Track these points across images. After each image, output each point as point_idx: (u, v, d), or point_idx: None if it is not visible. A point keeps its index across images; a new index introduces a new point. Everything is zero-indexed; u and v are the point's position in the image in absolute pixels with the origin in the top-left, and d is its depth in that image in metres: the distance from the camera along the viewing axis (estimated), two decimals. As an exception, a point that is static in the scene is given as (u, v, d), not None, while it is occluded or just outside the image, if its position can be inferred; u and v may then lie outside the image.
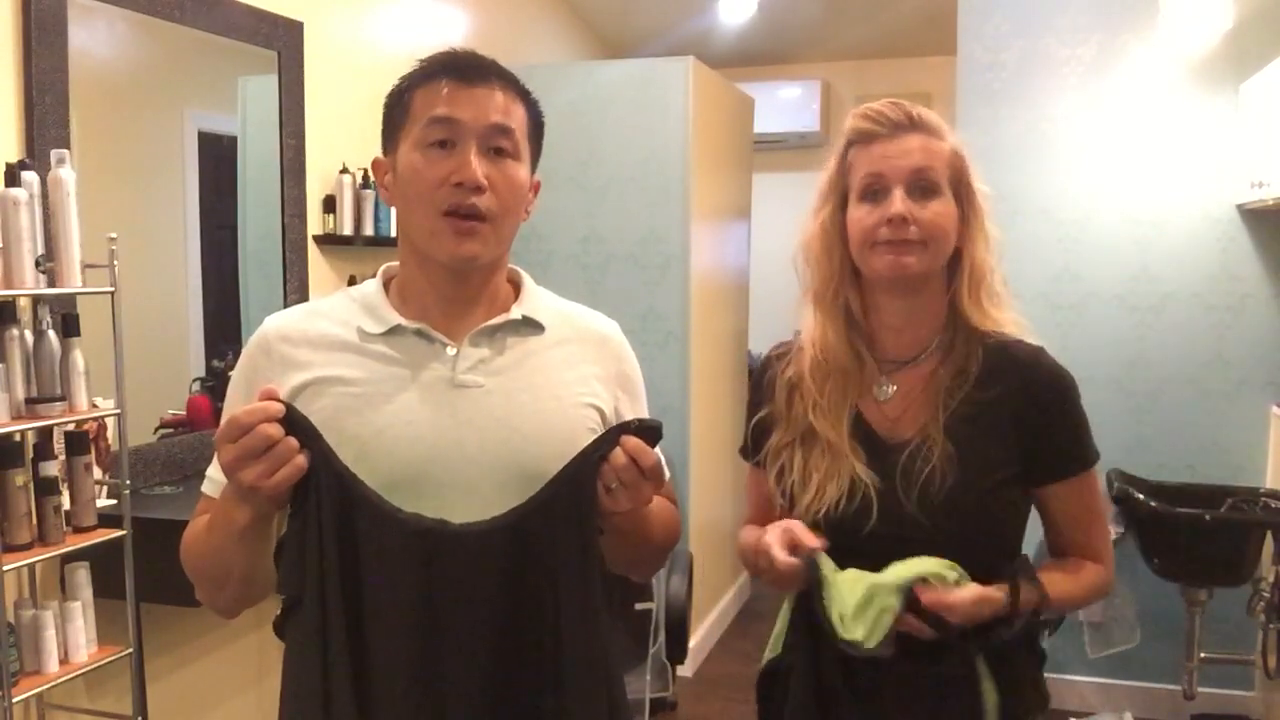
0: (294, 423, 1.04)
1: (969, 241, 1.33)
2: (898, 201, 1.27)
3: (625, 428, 1.10)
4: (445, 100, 1.15)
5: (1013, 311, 1.37)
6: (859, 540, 1.28)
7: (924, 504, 1.27)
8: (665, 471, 1.14)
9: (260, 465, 1.01)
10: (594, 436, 1.13)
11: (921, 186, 1.29)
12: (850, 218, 1.32)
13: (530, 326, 1.22)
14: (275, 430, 1.01)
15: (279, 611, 1.12)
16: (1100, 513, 1.38)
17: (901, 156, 1.29)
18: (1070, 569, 1.35)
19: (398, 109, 1.19)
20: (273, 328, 1.21)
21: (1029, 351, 1.34)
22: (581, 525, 1.09)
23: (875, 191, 1.30)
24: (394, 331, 1.18)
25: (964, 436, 1.29)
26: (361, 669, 1.06)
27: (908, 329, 1.36)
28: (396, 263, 1.25)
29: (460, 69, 1.17)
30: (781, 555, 1.23)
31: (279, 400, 1.04)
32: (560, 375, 1.21)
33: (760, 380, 1.45)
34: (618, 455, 1.08)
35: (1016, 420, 1.30)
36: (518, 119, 1.18)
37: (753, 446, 1.44)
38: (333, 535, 1.05)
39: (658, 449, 1.11)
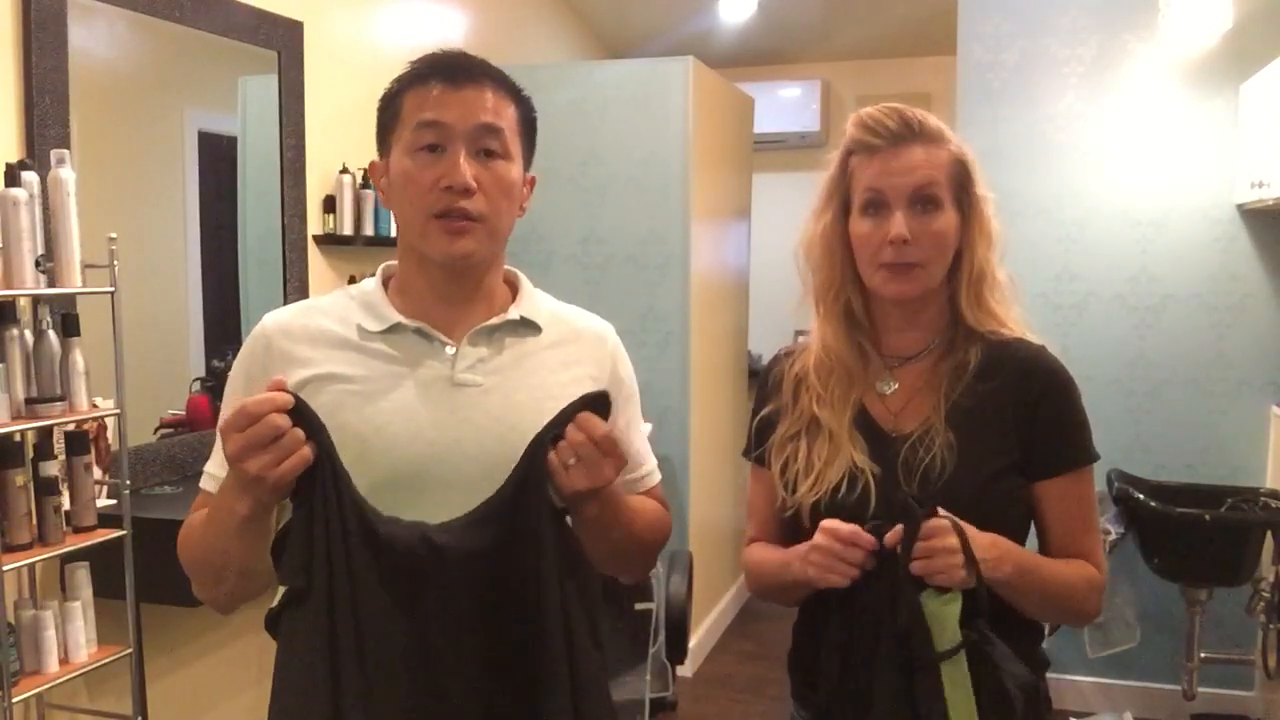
0: (301, 414, 1.04)
1: (969, 244, 1.34)
2: (899, 224, 1.28)
3: (575, 406, 1.11)
4: (433, 103, 1.15)
5: (1017, 309, 1.38)
6: None
7: (924, 491, 1.27)
8: (622, 447, 1.12)
9: (267, 455, 1.01)
10: None
11: (923, 201, 1.30)
12: (853, 230, 1.34)
13: (527, 327, 1.23)
14: (283, 420, 1.02)
15: (274, 605, 1.11)
16: (1094, 519, 1.37)
17: (903, 173, 1.29)
18: (1058, 560, 1.34)
19: (389, 113, 1.20)
20: (272, 323, 1.22)
21: (1029, 348, 1.36)
22: (536, 512, 1.09)
23: (876, 206, 1.31)
24: (393, 330, 1.19)
25: (964, 426, 1.31)
26: (363, 663, 1.06)
27: (910, 330, 1.38)
28: (395, 261, 1.26)
29: (448, 70, 1.17)
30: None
31: (288, 391, 1.04)
32: (556, 376, 1.22)
33: (766, 379, 1.47)
34: (572, 433, 1.08)
35: (1015, 411, 1.32)
36: (507, 118, 1.19)
37: (756, 443, 1.44)
38: (338, 527, 1.05)
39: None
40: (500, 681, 1.09)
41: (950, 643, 1.18)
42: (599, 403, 1.11)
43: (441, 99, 1.15)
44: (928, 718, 1.18)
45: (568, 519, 1.14)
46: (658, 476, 1.33)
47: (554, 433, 1.09)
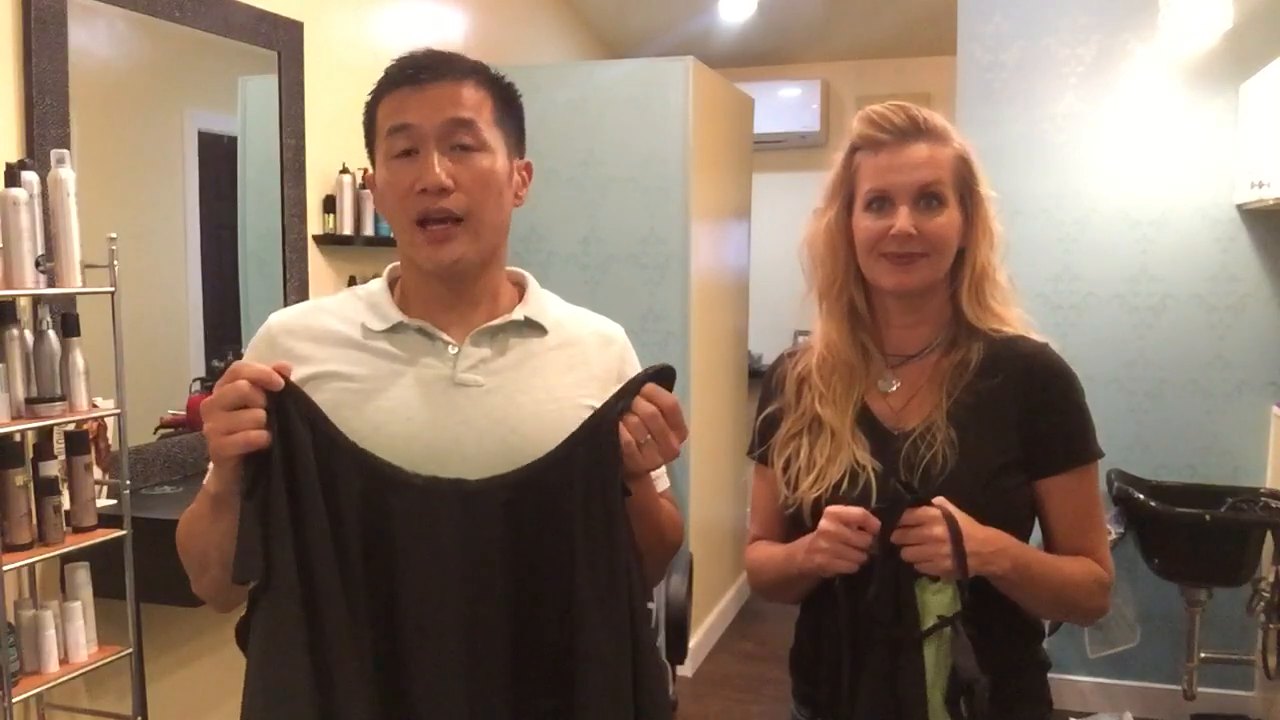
0: (294, 402, 1.04)
1: (972, 242, 1.35)
2: (903, 219, 1.29)
3: (641, 378, 1.10)
4: (400, 107, 1.15)
5: (1018, 308, 1.39)
6: None
7: (925, 488, 1.27)
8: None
9: (223, 419, 1.01)
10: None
11: (927, 198, 1.30)
12: (856, 225, 1.35)
13: (532, 328, 1.22)
14: (254, 394, 1.01)
15: (243, 614, 1.07)
16: (1099, 516, 1.37)
17: (908, 170, 1.30)
18: (1062, 557, 1.34)
19: (367, 123, 1.21)
20: (277, 322, 1.22)
21: (1031, 345, 1.36)
22: (605, 485, 1.08)
23: (881, 202, 1.32)
24: (396, 328, 1.19)
25: (966, 423, 1.31)
26: (384, 637, 1.06)
27: (912, 327, 1.38)
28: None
29: (412, 72, 1.16)
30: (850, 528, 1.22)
31: (286, 378, 1.04)
32: (560, 378, 1.21)
33: (770, 379, 1.47)
34: (643, 405, 1.08)
35: (1017, 408, 1.32)
36: (480, 108, 1.17)
37: (759, 441, 1.45)
38: (321, 519, 1.03)
39: None
40: (533, 658, 1.09)
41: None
42: (664, 376, 1.11)
43: (406, 101, 1.15)
44: (907, 697, 1.20)
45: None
46: (667, 481, 1.33)
47: (622, 405, 1.08)
